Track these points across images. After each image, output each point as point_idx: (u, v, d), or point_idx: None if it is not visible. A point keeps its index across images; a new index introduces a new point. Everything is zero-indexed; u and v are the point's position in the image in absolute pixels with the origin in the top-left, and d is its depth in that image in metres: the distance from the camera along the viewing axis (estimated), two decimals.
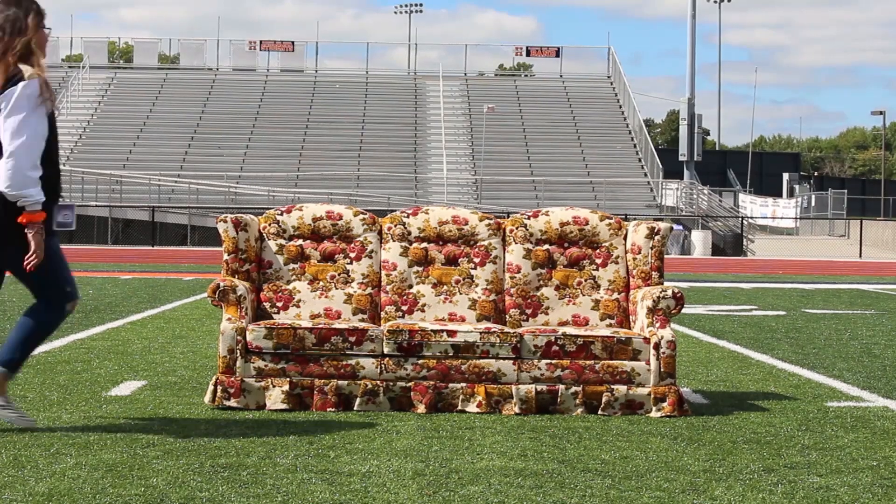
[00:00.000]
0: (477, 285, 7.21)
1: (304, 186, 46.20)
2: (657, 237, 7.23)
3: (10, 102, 5.61)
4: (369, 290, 7.19)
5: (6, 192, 5.59)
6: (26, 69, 5.68)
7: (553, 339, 6.68)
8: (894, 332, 11.89)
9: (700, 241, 42.51)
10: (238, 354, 6.64)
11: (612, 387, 6.65)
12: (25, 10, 5.80)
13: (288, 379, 6.62)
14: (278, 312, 7.09)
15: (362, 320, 7.05)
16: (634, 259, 7.25)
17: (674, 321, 10.50)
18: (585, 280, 7.25)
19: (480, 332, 6.67)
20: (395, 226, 7.31)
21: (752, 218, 53.05)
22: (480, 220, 7.32)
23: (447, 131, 52.14)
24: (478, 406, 6.60)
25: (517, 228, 7.31)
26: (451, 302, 7.17)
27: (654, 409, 6.61)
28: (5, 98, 5.63)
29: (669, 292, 6.82)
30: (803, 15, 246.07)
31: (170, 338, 10.32)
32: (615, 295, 7.23)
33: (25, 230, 5.61)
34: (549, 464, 5.26)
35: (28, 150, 5.60)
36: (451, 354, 6.65)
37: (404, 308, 7.17)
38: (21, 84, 5.64)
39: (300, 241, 7.25)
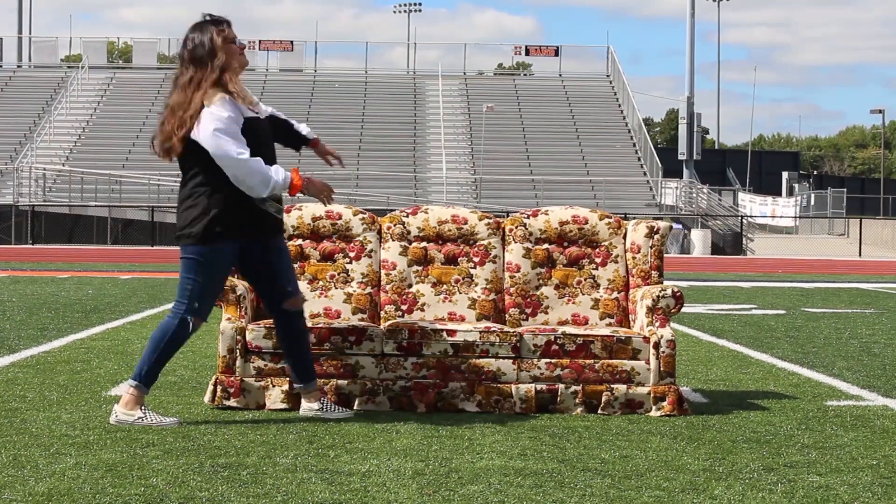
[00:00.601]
0: (476, 284, 7.21)
1: None
2: (657, 236, 7.23)
3: (201, 130, 5.89)
4: (369, 289, 7.18)
5: (268, 197, 5.98)
6: (213, 93, 5.93)
7: (553, 338, 6.68)
8: (894, 331, 11.89)
9: (699, 240, 42.51)
10: (238, 354, 6.64)
11: (612, 386, 6.64)
12: (210, 34, 5.98)
13: (288, 378, 6.61)
14: None
15: (362, 320, 7.04)
16: (634, 258, 7.25)
17: (673, 320, 10.50)
18: (585, 279, 7.25)
19: (480, 332, 6.67)
20: (395, 225, 7.31)
21: (751, 217, 53.05)
22: (480, 220, 7.32)
23: (446, 131, 52.13)
24: (477, 405, 6.60)
25: (517, 228, 7.31)
26: (450, 301, 7.17)
27: (653, 408, 6.61)
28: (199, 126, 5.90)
29: (669, 291, 6.82)
30: (802, 14, 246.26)
31: None
32: (615, 294, 7.23)
33: (306, 194, 6.15)
34: (548, 463, 5.26)
35: (240, 162, 5.88)
36: (450, 354, 6.64)
37: (404, 307, 7.17)
38: (204, 110, 5.89)
39: (299, 241, 7.25)
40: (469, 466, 5.15)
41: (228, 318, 6.69)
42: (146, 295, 15.65)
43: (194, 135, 5.93)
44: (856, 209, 66.84)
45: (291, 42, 59.08)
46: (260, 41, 58.91)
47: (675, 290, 6.85)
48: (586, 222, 7.32)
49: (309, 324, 6.66)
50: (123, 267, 24.65)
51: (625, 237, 7.32)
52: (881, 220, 53.38)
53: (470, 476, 4.96)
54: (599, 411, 6.61)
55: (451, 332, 6.67)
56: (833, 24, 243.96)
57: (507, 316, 7.17)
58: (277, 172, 6.01)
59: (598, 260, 7.27)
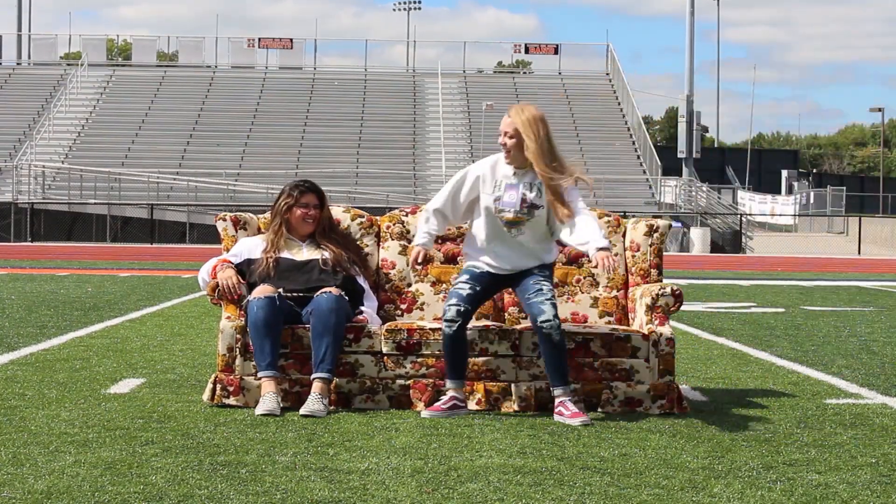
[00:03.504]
0: None
1: None
2: (656, 234, 7.23)
3: None
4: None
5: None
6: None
7: None
8: (893, 329, 11.89)
9: (699, 238, 42.51)
10: (237, 353, 6.64)
11: (611, 384, 6.64)
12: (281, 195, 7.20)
13: (287, 377, 6.62)
14: None
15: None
16: (633, 256, 7.25)
17: (672, 318, 10.50)
18: (584, 277, 7.25)
19: (479, 330, 6.67)
20: (394, 224, 7.31)
21: (750, 215, 53.07)
22: None
23: (446, 129, 52.13)
24: (477, 404, 6.60)
25: None
26: None
27: (652, 406, 6.61)
28: None
29: (668, 290, 6.82)
30: (802, 12, 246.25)
31: (168, 335, 10.32)
32: (614, 292, 7.23)
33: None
34: (547, 461, 5.26)
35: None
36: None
37: (403, 307, 7.17)
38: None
39: None
40: (468, 465, 5.15)
41: (228, 317, 6.69)
42: (145, 293, 15.64)
43: None
44: (855, 207, 66.84)
45: (291, 40, 59.05)
46: (259, 39, 58.92)
47: (675, 288, 6.84)
48: None
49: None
50: (122, 265, 24.65)
51: (624, 235, 7.32)
52: (880, 218, 53.39)
53: (469, 474, 4.96)
54: (599, 409, 6.60)
55: None
56: (832, 22, 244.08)
57: (506, 314, 7.17)
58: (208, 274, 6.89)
59: None
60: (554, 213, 6.47)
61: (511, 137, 6.52)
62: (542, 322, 6.35)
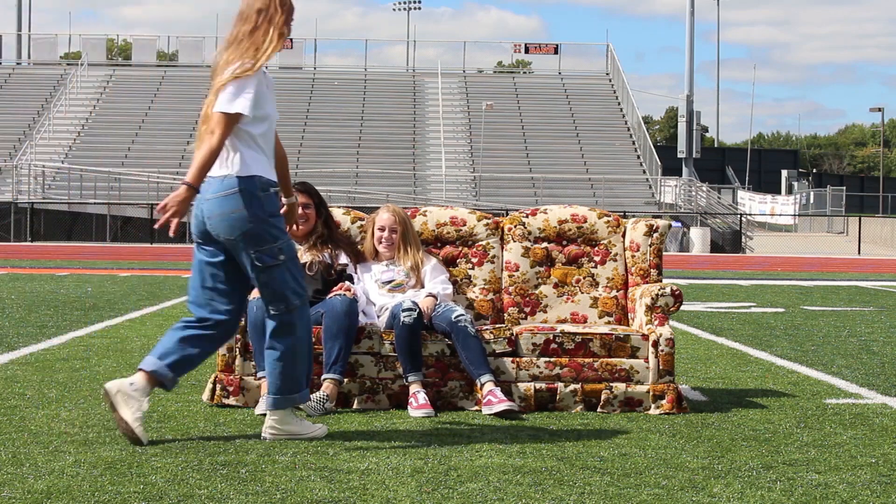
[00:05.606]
0: (475, 285, 7.21)
1: None
2: (655, 234, 7.23)
3: None
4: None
5: None
6: None
7: (551, 336, 6.68)
8: (893, 329, 11.89)
9: (699, 238, 42.50)
10: (237, 353, 6.65)
11: (611, 384, 6.65)
12: None
13: None
14: None
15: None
16: (633, 256, 7.25)
17: (672, 318, 10.49)
18: (584, 278, 7.25)
19: (478, 330, 6.67)
20: (516, 226, 7.30)
21: (750, 215, 53.05)
22: (479, 220, 7.32)
23: (446, 128, 52.11)
24: (477, 404, 6.60)
25: (515, 227, 7.31)
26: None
27: (652, 406, 6.61)
28: None
29: (668, 290, 6.82)
30: (802, 12, 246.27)
31: None
32: (614, 292, 7.23)
33: None
34: (547, 461, 5.26)
35: None
36: (447, 354, 6.64)
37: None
38: None
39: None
40: (468, 464, 5.15)
41: None
42: (145, 293, 15.64)
43: None
44: (855, 207, 66.90)
45: (291, 40, 58.88)
46: None
47: (674, 288, 6.84)
48: (585, 221, 7.32)
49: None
50: (122, 264, 24.65)
51: (624, 235, 7.32)
52: (880, 218, 53.38)
53: (469, 474, 4.97)
54: (598, 409, 6.61)
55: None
56: (832, 22, 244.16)
57: (506, 315, 7.17)
58: None
59: (596, 258, 7.28)
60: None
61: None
62: (456, 318, 6.58)
